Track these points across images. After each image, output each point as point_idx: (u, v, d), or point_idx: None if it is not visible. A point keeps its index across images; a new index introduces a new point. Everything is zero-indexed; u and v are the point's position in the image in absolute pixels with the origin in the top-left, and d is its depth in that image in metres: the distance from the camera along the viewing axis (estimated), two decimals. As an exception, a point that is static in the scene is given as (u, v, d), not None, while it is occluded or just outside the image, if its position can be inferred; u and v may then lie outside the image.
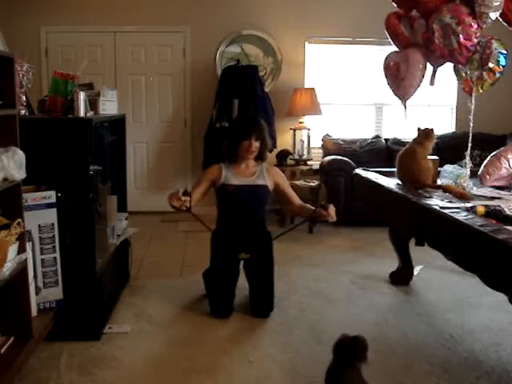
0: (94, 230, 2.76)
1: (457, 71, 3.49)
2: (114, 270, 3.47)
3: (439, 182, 3.43)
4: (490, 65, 3.17)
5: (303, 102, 5.70)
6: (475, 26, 3.07)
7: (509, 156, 3.33)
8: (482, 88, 3.32)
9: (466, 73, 3.33)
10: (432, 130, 3.28)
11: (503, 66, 3.23)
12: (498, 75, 3.25)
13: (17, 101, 2.33)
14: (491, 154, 3.43)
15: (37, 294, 2.54)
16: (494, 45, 3.13)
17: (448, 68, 3.46)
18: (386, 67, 3.62)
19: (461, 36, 3.07)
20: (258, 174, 3.27)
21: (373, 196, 3.57)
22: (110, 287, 3.32)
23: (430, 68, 3.45)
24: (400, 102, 3.61)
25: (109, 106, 3.25)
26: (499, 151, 3.41)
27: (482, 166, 3.40)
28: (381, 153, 5.82)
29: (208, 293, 3.29)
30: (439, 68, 3.43)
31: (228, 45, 5.97)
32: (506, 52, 3.20)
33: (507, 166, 3.31)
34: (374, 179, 3.51)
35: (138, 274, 3.94)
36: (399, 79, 3.48)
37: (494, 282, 2.13)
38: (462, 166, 3.41)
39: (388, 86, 3.68)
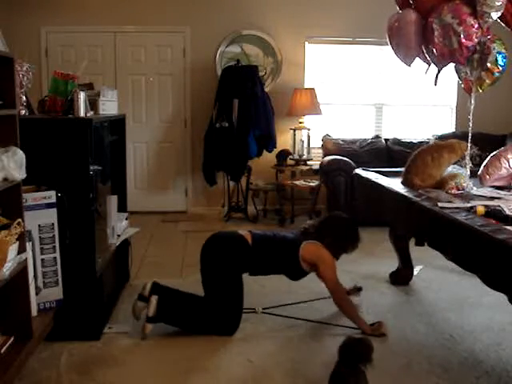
0: (94, 230, 2.77)
1: (457, 71, 3.48)
2: (114, 270, 3.47)
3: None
4: (488, 65, 3.17)
5: (303, 102, 5.69)
6: (476, 26, 3.07)
7: (509, 156, 3.32)
8: (481, 88, 3.31)
9: (466, 73, 3.32)
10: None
11: (502, 66, 3.22)
12: (496, 75, 3.24)
13: (17, 101, 2.33)
14: (491, 154, 3.42)
15: (37, 294, 2.54)
16: (492, 45, 3.13)
17: (448, 68, 3.45)
18: (388, 30, 3.51)
19: (462, 36, 3.06)
20: None
21: (373, 196, 3.56)
22: (110, 287, 3.32)
23: (434, 69, 3.42)
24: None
25: (109, 106, 3.25)
26: (499, 151, 3.40)
27: (482, 166, 3.39)
28: (381, 153, 5.83)
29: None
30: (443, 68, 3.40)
31: (228, 45, 5.97)
32: (504, 52, 3.19)
33: (507, 166, 3.30)
34: (374, 179, 3.51)
35: (138, 273, 3.94)
36: (396, 43, 3.40)
37: (494, 282, 2.13)
38: (461, 166, 3.40)
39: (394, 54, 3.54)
